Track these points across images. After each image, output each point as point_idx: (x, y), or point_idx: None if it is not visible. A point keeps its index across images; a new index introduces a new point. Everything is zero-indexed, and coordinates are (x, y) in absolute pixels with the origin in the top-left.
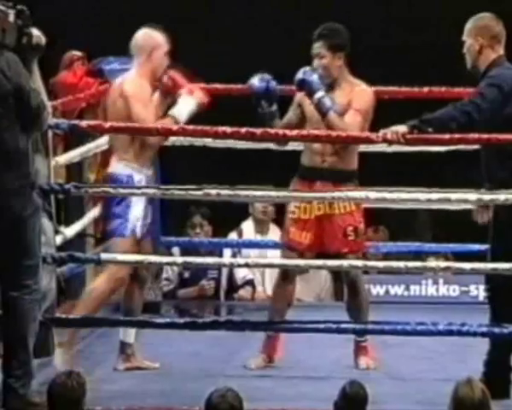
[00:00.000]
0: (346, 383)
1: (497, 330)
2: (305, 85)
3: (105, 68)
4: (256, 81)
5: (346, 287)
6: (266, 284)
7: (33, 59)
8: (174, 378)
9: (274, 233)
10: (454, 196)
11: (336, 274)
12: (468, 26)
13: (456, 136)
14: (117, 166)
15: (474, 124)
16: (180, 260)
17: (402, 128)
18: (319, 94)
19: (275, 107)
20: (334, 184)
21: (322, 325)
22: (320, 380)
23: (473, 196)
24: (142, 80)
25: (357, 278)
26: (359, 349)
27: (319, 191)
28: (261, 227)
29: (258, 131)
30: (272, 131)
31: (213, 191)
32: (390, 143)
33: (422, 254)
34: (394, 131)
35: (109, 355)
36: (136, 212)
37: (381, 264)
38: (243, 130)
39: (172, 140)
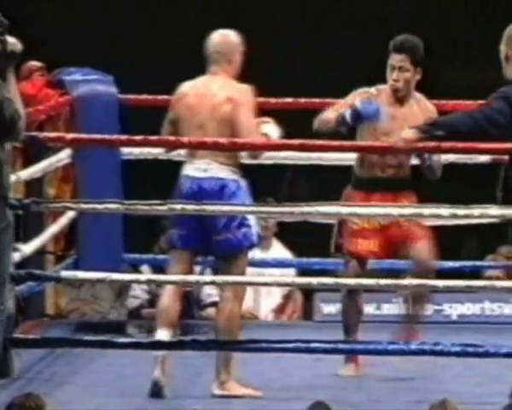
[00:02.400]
0: (311, 405)
1: (470, 349)
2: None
3: (65, 79)
4: (366, 105)
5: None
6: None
7: (8, 67)
8: (139, 399)
9: (276, 249)
10: (427, 211)
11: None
12: (503, 34)
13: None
14: (221, 172)
15: (485, 132)
16: (144, 277)
17: (411, 133)
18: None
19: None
20: (393, 194)
21: (290, 345)
22: (288, 401)
23: (446, 211)
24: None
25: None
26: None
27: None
28: (262, 243)
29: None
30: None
31: (178, 206)
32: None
33: (395, 272)
34: (406, 139)
35: (71, 377)
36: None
37: (352, 282)
38: (208, 140)
39: (136, 154)
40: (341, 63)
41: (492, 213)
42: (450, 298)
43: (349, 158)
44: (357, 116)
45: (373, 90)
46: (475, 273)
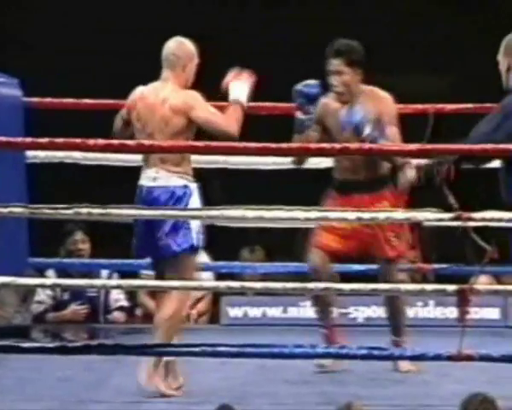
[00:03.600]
0: (216, 408)
1: (376, 352)
2: (354, 128)
3: None
4: (307, 85)
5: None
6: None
7: None
8: (44, 405)
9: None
10: (333, 214)
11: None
12: (502, 44)
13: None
14: (169, 180)
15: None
16: (49, 281)
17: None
18: (367, 131)
19: (313, 116)
20: (370, 196)
21: (197, 349)
22: (194, 404)
23: (352, 214)
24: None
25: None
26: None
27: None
28: None
29: (132, 143)
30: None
31: (84, 210)
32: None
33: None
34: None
35: None
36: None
37: (258, 285)
38: (116, 142)
39: (41, 157)
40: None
41: (397, 216)
42: (356, 301)
43: (256, 162)
44: (301, 96)
45: (327, 99)
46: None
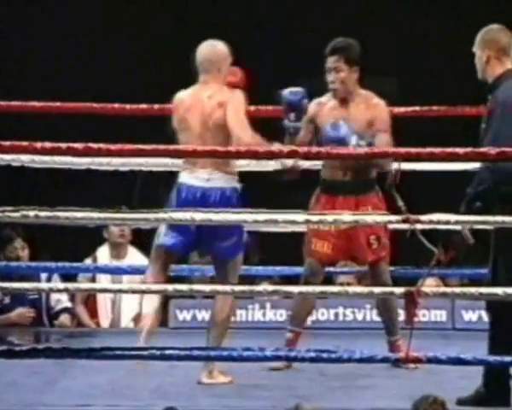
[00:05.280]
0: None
1: (325, 355)
2: (339, 143)
3: None
4: (290, 93)
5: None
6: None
7: None
8: None
9: (132, 256)
10: (281, 217)
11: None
12: (478, 37)
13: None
14: (222, 181)
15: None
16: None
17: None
18: (353, 142)
19: (300, 123)
20: (356, 198)
21: (145, 352)
22: (143, 407)
23: (301, 217)
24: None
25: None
26: (395, 348)
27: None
28: (118, 251)
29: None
30: (94, 146)
31: (32, 213)
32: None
33: (249, 278)
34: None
35: None
36: None
37: (207, 288)
38: (63, 145)
39: None
40: None
41: (345, 219)
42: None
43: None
44: (284, 102)
45: (323, 98)
46: (328, 279)
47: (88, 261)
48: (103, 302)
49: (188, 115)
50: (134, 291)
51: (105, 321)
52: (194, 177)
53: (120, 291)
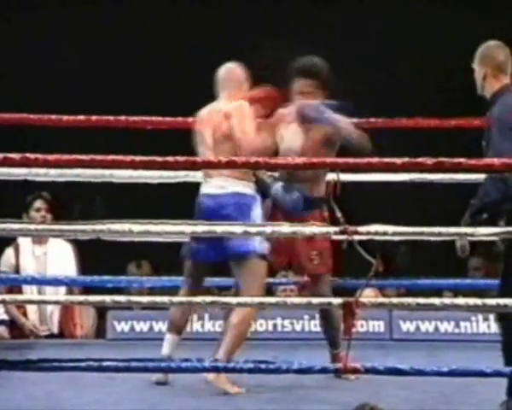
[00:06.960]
0: None
1: (263, 366)
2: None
3: None
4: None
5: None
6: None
7: None
8: None
9: (54, 243)
10: (220, 228)
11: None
12: (476, 53)
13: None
14: (237, 186)
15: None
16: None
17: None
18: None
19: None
20: (301, 212)
21: (83, 363)
22: None
23: (239, 228)
24: None
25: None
26: (338, 360)
27: None
28: (39, 237)
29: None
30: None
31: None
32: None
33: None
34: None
35: None
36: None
37: (145, 299)
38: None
39: None
40: None
41: (284, 230)
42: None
43: (144, 175)
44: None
45: (286, 110)
46: (268, 290)
47: (10, 250)
48: (29, 291)
49: (202, 129)
50: (72, 302)
51: (32, 313)
52: (209, 186)
53: (57, 303)
